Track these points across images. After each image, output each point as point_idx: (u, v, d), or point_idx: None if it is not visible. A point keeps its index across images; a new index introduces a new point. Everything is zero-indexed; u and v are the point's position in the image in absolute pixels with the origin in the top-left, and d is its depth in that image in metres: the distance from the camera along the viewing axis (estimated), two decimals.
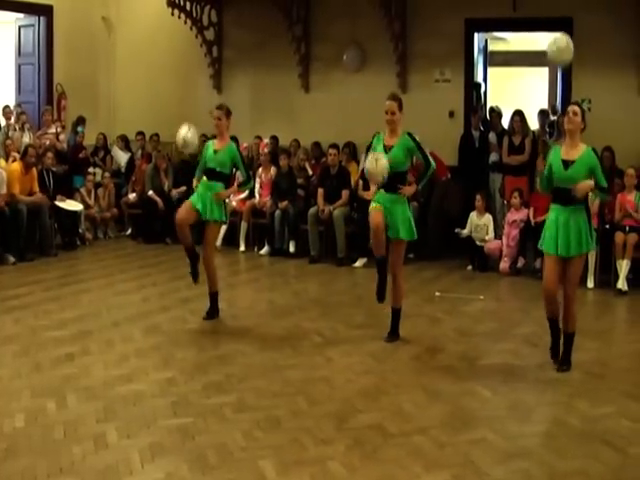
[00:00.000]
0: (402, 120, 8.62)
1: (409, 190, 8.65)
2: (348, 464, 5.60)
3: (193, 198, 9.50)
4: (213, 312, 9.55)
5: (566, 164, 7.67)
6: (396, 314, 8.81)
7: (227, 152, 9.46)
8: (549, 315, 7.94)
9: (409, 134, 8.60)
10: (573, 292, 7.81)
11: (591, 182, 7.63)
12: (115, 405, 6.67)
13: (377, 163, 8.30)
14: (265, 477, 5.40)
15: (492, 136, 14.01)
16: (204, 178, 9.55)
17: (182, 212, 9.48)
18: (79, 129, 15.72)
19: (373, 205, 8.71)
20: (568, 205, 7.72)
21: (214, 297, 9.59)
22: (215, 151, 9.51)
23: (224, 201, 9.61)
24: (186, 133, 9.58)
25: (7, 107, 15.33)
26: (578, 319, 8.00)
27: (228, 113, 9.62)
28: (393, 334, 8.76)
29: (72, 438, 5.97)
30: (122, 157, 16.16)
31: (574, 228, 7.67)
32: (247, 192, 14.42)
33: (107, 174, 15.49)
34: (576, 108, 7.81)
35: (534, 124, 14.50)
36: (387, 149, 8.52)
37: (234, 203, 14.27)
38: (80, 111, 16.13)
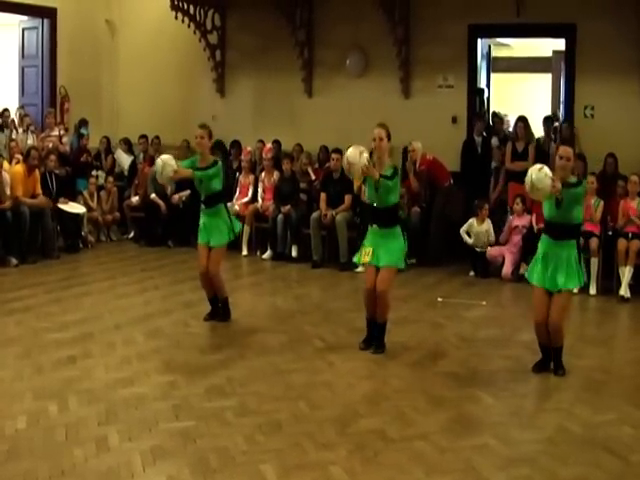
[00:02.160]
0: (388, 149, 8.70)
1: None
2: (349, 469, 5.59)
3: (200, 236, 9.69)
4: (225, 315, 9.65)
5: (557, 202, 7.60)
6: (380, 328, 8.52)
7: (213, 172, 9.47)
8: (540, 341, 7.97)
9: (395, 168, 8.55)
10: (560, 321, 7.76)
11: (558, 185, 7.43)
12: (117, 408, 6.67)
13: (360, 156, 8.18)
14: None
15: (494, 141, 14.01)
16: (202, 207, 9.71)
17: (200, 261, 9.65)
18: (82, 131, 15.74)
19: (366, 257, 8.47)
20: (559, 240, 7.71)
21: (225, 302, 9.72)
22: (200, 179, 9.50)
23: (228, 217, 9.73)
24: (161, 168, 9.46)
25: (6, 110, 15.32)
26: (581, 326, 8.00)
27: (211, 134, 9.78)
28: (378, 347, 8.47)
29: (74, 441, 5.96)
30: (125, 160, 16.17)
31: (564, 263, 7.68)
32: (250, 195, 14.48)
33: (110, 177, 15.49)
34: (569, 151, 7.79)
35: (537, 130, 14.50)
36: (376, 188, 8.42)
37: (237, 207, 14.29)
38: (83, 114, 16.14)
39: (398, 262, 8.49)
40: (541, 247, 7.88)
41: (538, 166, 7.61)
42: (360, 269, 12.80)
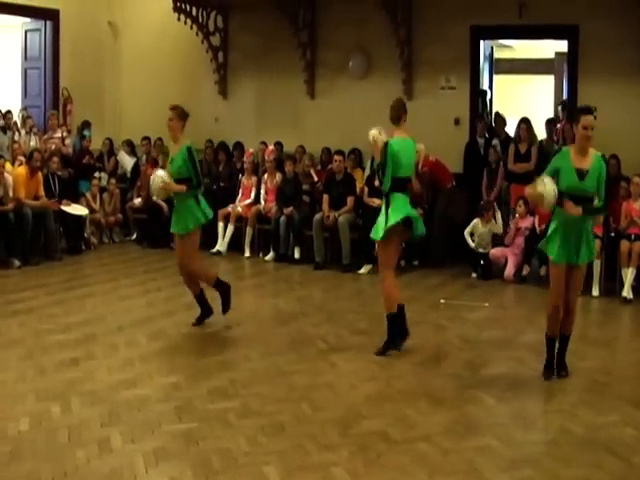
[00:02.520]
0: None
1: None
2: (352, 470, 5.59)
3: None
4: (224, 304, 9.56)
5: (581, 174, 7.48)
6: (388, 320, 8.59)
7: (180, 156, 9.27)
8: (552, 334, 7.84)
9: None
10: (577, 297, 7.81)
11: (580, 210, 7.46)
12: (119, 410, 6.68)
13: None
14: None
15: (496, 143, 14.00)
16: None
17: (176, 252, 9.69)
18: (85, 133, 15.75)
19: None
20: (584, 215, 7.55)
21: (221, 291, 9.57)
22: (172, 160, 9.44)
23: (197, 204, 9.32)
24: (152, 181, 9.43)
25: (9, 112, 15.34)
26: (583, 327, 7.99)
27: (182, 115, 9.48)
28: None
29: (76, 442, 5.97)
30: (128, 162, 16.18)
31: (585, 236, 7.59)
32: (253, 197, 14.47)
33: (113, 179, 15.50)
34: (591, 120, 7.53)
35: (540, 132, 14.49)
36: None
37: (239, 209, 14.31)
38: (85, 116, 16.16)
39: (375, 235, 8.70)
40: (556, 220, 7.68)
41: (550, 182, 7.52)
42: (363, 270, 12.85)
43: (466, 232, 12.83)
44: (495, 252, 12.64)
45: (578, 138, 7.60)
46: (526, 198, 12.69)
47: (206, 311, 9.54)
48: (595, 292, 11.51)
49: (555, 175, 7.58)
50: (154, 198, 9.66)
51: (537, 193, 7.54)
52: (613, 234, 11.89)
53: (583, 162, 7.53)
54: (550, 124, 14.43)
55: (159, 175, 9.42)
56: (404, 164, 8.54)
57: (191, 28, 15.90)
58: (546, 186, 7.47)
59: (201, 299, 9.54)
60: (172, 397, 7.02)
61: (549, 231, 7.82)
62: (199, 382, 7.43)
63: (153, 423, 6.39)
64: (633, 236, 11.49)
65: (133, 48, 17.41)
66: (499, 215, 12.96)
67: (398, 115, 8.69)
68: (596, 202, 7.64)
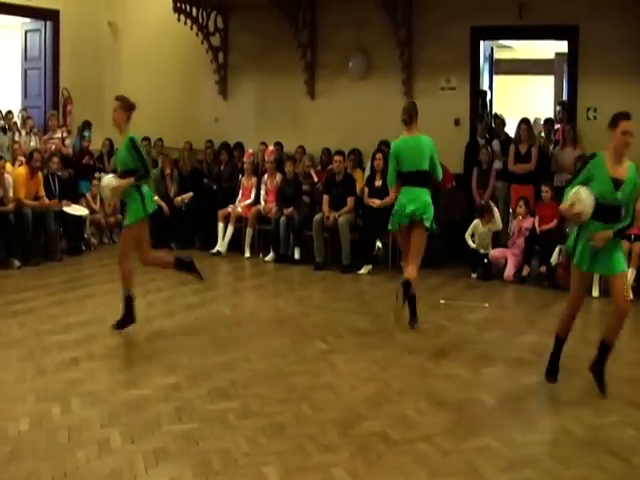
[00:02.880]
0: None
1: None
2: (352, 471, 5.59)
3: None
4: (126, 319, 9.13)
5: (617, 184, 7.12)
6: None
7: (124, 147, 9.09)
8: (564, 334, 7.74)
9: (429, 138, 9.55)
10: (618, 306, 7.50)
11: (610, 233, 7.21)
12: (119, 410, 6.67)
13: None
14: None
15: (496, 144, 14.02)
16: None
17: None
18: (85, 134, 15.75)
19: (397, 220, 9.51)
20: (612, 224, 7.24)
21: (127, 300, 9.20)
22: (116, 151, 9.45)
23: (142, 198, 9.05)
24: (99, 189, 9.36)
25: (9, 113, 15.35)
26: (583, 328, 7.98)
27: (127, 106, 9.33)
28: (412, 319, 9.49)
29: (76, 443, 5.97)
30: None
31: (614, 247, 7.33)
32: (253, 197, 14.46)
33: None
34: (631, 125, 7.15)
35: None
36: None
37: (239, 209, 14.31)
38: (86, 116, 16.17)
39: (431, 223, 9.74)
40: (588, 231, 7.28)
41: (587, 195, 7.10)
42: (363, 270, 12.86)
43: (467, 234, 12.84)
44: (495, 253, 12.65)
45: (617, 145, 7.16)
46: (527, 198, 12.75)
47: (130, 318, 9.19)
48: (595, 293, 11.50)
49: (587, 183, 7.19)
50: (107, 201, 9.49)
51: (575, 212, 7.18)
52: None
53: (619, 171, 7.19)
54: (548, 124, 14.44)
55: (104, 184, 9.28)
56: (407, 159, 9.39)
57: (191, 29, 15.93)
58: (583, 202, 7.09)
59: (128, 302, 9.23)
60: (172, 397, 7.02)
61: (575, 230, 7.54)
62: (199, 382, 7.43)
63: (153, 423, 6.39)
64: (633, 236, 11.48)
65: (133, 48, 17.43)
66: (497, 214, 12.93)
67: (408, 117, 9.50)
68: (623, 214, 7.31)
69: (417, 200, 9.45)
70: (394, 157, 9.50)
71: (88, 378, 7.51)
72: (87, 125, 15.99)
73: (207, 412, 6.68)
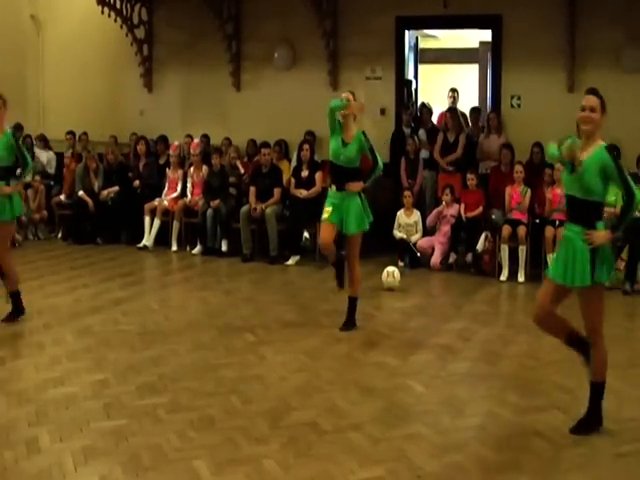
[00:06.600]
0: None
1: (355, 187, 8.96)
2: (283, 462, 5.60)
3: None
4: (16, 312, 9.30)
5: (573, 165, 6.15)
6: (352, 302, 9.15)
7: (2, 143, 9.09)
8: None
9: (363, 133, 9.02)
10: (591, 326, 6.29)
11: (607, 234, 6.07)
12: (47, 408, 6.59)
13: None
14: (200, 477, 5.37)
15: (422, 133, 14.11)
16: None
17: None
18: (8, 130, 15.47)
19: (325, 215, 9.01)
20: (579, 224, 6.13)
21: (13, 296, 9.34)
22: None
23: (9, 197, 9.13)
24: None
25: None
26: (509, 313, 8.05)
27: (4, 102, 9.32)
28: (348, 323, 9.12)
29: (3, 443, 5.88)
30: (44, 157, 15.92)
31: (582, 254, 6.06)
32: (179, 191, 14.37)
33: (37, 176, 15.27)
34: (593, 101, 6.18)
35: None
36: (344, 144, 8.93)
37: (166, 202, 14.21)
38: (8, 111, 15.87)
39: (363, 226, 9.24)
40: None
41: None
42: (290, 261, 12.87)
43: (394, 230, 12.88)
44: (422, 243, 12.73)
45: (578, 120, 6.24)
46: (452, 186, 12.85)
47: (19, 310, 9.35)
48: (521, 278, 11.67)
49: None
50: None
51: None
52: (538, 220, 12.06)
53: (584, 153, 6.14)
54: (474, 112, 14.57)
55: None
56: None
57: (115, 21, 15.75)
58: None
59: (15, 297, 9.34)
60: (100, 394, 6.95)
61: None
62: (127, 378, 7.37)
63: (81, 421, 6.32)
64: (557, 222, 11.63)
65: (56, 42, 17.17)
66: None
67: None
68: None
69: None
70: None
71: (15, 377, 7.41)
72: (19, 128, 15.80)
73: (136, 408, 6.63)
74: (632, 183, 6.06)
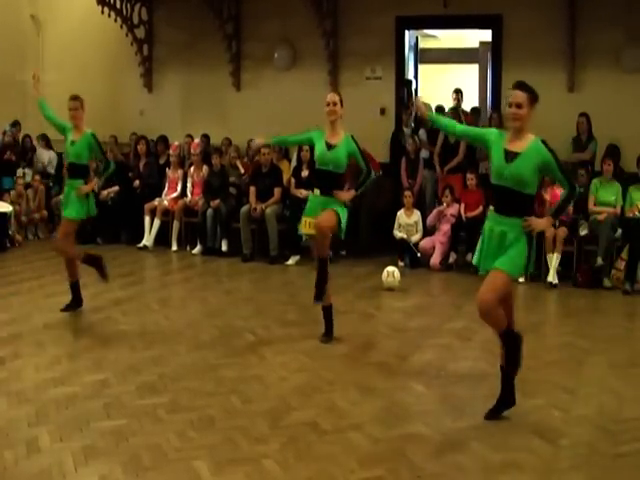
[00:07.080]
0: (343, 117, 8.48)
1: (346, 196, 8.48)
2: (282, 462, 5.59)
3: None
4: (76, 303, 9.70)
5: (509, 156, 6.21)
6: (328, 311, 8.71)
7: (84, 143, 9.49)
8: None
9: (352, 137, 8.47)
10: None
11: (548, 219, 6.37)
12: (47, 408, 6.58)
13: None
14: (200, 477, 5.37)
15: (422, 133, 14.11)
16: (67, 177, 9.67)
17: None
18: (6, 128, 15.53)
19: (303, 231, 8.69)
20: (507, 216, 6.28)
21: (75, 287, 9.75)
22: (72, 142, 9.56)
23: (87, 196, 9.61)
24: None
25: None
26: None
27: (83, 104, 9.76)
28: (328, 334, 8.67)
29: (4, 443, 5.87)
30: (45, 156, 15.94)
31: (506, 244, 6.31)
32: (179, 190, 14.38)
33: (37, 175, 15.29)
34: (520, 97, 6.23)
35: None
36: (329, 147, 8.38)
37: (166, 202, 14.22)
38: (7, 111, 15.93)
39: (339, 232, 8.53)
40: (486, 223, 6.65)
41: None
42: (290, 261, 12.85)
43: (395, 230, 12.88)
44: (424, 244, 12.72)
45: (505, 117, 6.67)
46: (452, 187, 12.85)
47: None
48: (521, 278, 11.63)
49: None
50: None
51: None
52: None
53: (516, 145, 6.30)
54: (474, 112, 14.57)
55: None
56: None
57: (115, 21, 15.78)
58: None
59: None
60: (101, 394, 6.94)
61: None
62: (128, 378, 7.36)
63: (82, 421, 6.31)
64: (557, 222, 11.63)
65: (56, 41, 17.19)
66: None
67: None
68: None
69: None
70: None
71: (15, 377, 7.39)
72: (16, 124, 15.82)
73: (136, 407, 6.63)
74: (570, 175, 6.36)
